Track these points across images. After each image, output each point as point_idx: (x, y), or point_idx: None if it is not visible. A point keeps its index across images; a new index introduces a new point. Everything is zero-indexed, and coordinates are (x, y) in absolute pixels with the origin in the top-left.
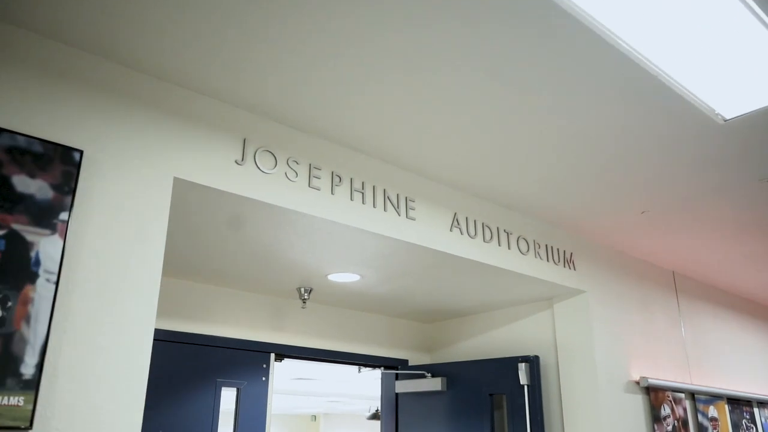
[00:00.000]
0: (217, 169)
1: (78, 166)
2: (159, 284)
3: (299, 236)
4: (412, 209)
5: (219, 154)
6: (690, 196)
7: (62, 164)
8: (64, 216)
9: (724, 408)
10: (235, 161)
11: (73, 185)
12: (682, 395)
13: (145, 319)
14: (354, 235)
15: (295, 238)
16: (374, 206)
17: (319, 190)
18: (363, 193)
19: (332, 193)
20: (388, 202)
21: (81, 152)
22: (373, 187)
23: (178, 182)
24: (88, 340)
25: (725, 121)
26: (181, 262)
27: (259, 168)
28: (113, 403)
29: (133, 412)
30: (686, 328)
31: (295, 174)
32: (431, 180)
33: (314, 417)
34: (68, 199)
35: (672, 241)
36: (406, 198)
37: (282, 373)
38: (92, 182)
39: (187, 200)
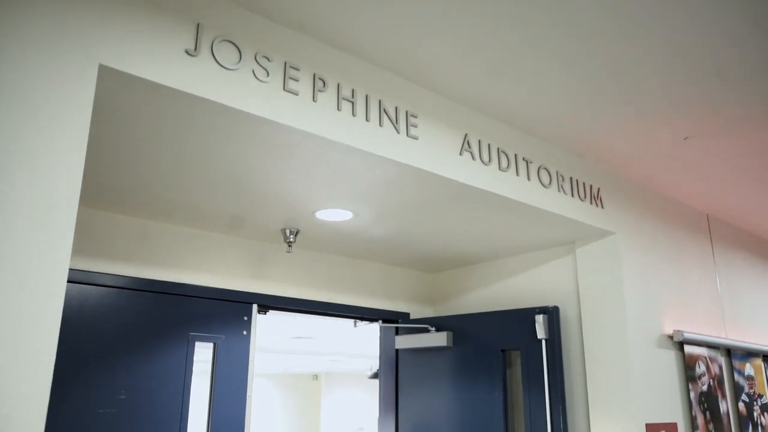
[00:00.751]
0: (161, 59)
1: None
2: (75, 210)
3: (275, 155)
4: (414, 126)
5: (164, 41)
6: (749, 115)
7: None
8: None
9: (761, 366)
10: (186, 51)
11: None
12: (718, 351)
13: (56, 257)
14: (342, 155)
15: (271, 158)
16: (367, 119)
17: (296, 95)
18: (353, 103)
19: (314, 100)
20: (384, 115)
21: None
22: (366, 96)
23: (105, 73)
24: None
25: None
26: (130, 193)
27: (218, 62)
28: (12, 365)
29: (38, 375)
30: (721, 278)
31: (265, 73)
32: (437, 93)
33: (316, 376)
34: None
35: (710, 176)
36: (406, 112)
37: (280, 331)
38: None
39: (119, 99)
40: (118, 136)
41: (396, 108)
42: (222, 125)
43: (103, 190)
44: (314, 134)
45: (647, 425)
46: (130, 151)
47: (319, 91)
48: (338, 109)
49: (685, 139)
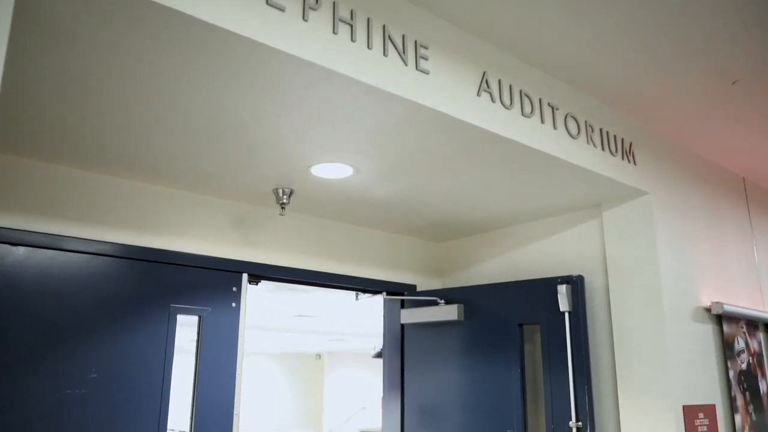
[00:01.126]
0: None
1: None
2: None
3: (259, 89)
4: (425, 59)
5: None
6: None
7: None
8: None
9: None
10: None
11: None
12: (757, 326)
13: None
14: (339, 88)
15: (254, 92)
16: (369, 47)
17: (282, 11)
18: (352, 26)
19: (304, 19)
20: (389, 43)
21: None
22: (368, 20)
23: None
24: None
25: None
26: (87, 142)
27: None
28: None
29: None
30: (759, 247)
31: None
32: (451, 23)
33: (319, 355)
34: None
35: (751, 133)
36: (415, 42)
37: (281, 309)
38: None
39: (51, 4)
40: (56, 60)
41: (403, 36)
42: (191, 47)
43: (59, 140)
44: (305, 60)
45: (684, 407)
46: (77, 84)
47: (311, 8)
48: (334, 32)
49: (733, 83)
